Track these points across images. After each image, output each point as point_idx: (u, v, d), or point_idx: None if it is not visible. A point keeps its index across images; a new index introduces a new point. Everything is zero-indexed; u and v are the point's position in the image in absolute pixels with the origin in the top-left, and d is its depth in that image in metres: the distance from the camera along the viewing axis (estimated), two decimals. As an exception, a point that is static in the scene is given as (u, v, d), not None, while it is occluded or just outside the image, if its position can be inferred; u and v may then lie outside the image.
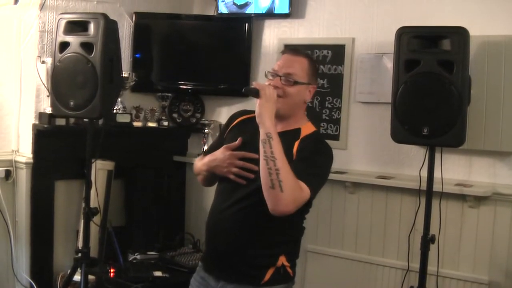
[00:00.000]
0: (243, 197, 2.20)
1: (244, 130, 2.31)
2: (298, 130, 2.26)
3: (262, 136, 2.03)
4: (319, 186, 2.18)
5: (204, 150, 2.31)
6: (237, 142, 2.24)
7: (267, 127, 2.03)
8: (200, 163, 2.40)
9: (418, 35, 2.96)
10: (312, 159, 2.15)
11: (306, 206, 2.19)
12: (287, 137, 2.15)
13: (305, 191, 2.06)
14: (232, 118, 2.46)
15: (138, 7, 4.25)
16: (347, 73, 3.91)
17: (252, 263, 2.21)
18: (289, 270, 2.25)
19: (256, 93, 2.10)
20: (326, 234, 3.97)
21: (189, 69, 4.37)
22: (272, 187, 1.97)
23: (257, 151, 2.09)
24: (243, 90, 2.13)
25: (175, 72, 4.42)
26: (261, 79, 4.28)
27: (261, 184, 2.03)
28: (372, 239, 3.79)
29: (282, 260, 2.22)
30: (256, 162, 2.11)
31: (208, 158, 2.33)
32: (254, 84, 2.15)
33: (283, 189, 1.96)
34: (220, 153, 2.26)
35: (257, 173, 2.10)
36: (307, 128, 2.30)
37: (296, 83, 2.21)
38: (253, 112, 2.16)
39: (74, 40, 3.13)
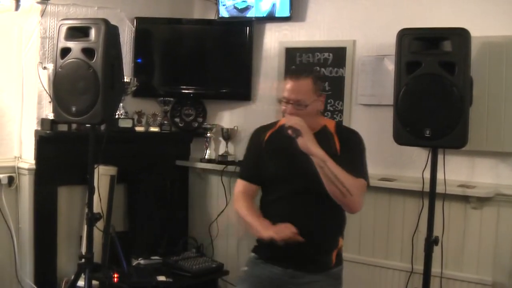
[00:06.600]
0: (304, 192, 2.52)
1: (280, 142, 2.57)
2: (324, 127, 2.59)
3: (317, 162, 2.37)
4: (367, 171, 2.59)
5: (241, 170, 2.75)
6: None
7: (318, 155, 2.38)
8: (248, 219, 2.59)
9: (419, 37, 2.96)
10: (355, 153, 2.55)
11: None
12: (321, 136, 2.48)
13: (364, 184, 2.50)
14: (258, 134, 2.74)
15: (139, 12, 4.26)
16: (349, 75, 3.91)
17: (321, 249, 2.54)
18: (342, 252, 2.64)
19: (298, 134, 2.41)
20: (329, 237, 3.96)
21: (191, 74, 4.38)
22: (344, 196, 2.38)
23: (298, 154, 2.43)
24: (287, 133, 2.42)
25: (176, 77, 4.43)
26: (262, 83, 4.29)
27: (318, 183, 2.38)
28: (376, 241, 3.79)
29: (341, 241, 2.61)
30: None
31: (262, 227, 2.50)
32: (290, 124, 2.42)
33: (352, 193, 2.38)
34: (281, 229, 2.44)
35: (314, 172, 2.40)
36: (329, 122, 2.65)
37: (306, 106, 2.49)
38: (272, 126, 2.68)
39: (75, 46, 3.13)
